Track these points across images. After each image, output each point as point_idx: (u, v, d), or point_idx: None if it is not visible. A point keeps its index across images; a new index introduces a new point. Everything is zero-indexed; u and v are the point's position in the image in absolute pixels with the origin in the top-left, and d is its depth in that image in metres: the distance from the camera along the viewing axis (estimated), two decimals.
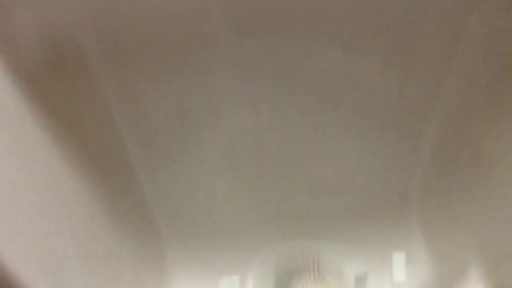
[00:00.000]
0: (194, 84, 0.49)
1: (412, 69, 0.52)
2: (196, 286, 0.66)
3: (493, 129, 0.52)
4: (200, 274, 0.66)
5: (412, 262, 0.67)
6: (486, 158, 0.53)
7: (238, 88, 0.51)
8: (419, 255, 0.67)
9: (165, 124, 0.52)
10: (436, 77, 0.53)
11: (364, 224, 0.67)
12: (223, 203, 0.63)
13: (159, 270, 0.63)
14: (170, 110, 0.51)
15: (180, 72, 0.48)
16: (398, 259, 0.68)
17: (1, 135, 0.36)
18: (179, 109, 0.51)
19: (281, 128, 0.56)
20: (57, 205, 0.39)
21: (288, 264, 0.68)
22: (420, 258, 0.67)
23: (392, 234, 0.68)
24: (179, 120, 0.52)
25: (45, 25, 0.39)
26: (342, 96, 0.53)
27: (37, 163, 0.37)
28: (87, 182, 0.45)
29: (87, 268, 0.42)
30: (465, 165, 0.56)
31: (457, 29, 0.49)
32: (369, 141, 0.59)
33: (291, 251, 0.68)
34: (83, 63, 0.43)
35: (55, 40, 0.40)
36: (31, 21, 0.39)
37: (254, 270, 0.69)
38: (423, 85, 0.53)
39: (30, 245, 0.33)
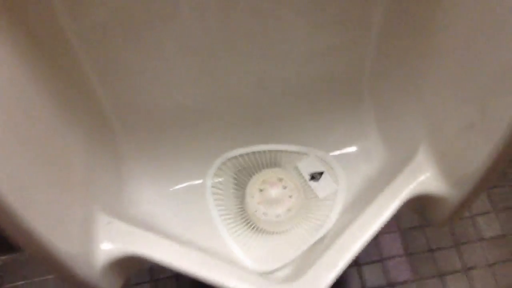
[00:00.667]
0: None
1: None
2: (152, 183, 0.69)
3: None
4: (156, 172, 0.69)
5: (366, 155, 0.70)
6: (433, 32, 0.54)
7: None
8: (373, 145, 0.70)
9: (114, 18, 0.52)
10: None
11: (319, 121, 0.70)
12: (176, 103, 0.64)
13: (115, 170, 0.65)
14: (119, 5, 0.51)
15: None
16: (351, 153, 0.72)
17: None
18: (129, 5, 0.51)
19: (231, 21, 0.56)
20: (8, 101, 0.39)
21: (245, 166, 0.71)
22: (373, 149, 0.70)
23: (346, 130, 0.72)
24: (127, 15, 0.52)
25: None
26: None
27: None
28: (37, 79, 0.45)
29: (40, 164, 0.43)
30: (413, 41, 0.58)
31: None
32: (318, 27, 0.59)
33: (248, 153, 0.71)
34: None
35: None
36: None
37: (213, 166, 0.71)
38: None
39: None
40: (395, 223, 1.10)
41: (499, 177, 1.15)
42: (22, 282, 1.01)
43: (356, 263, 1.05)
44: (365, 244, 0.54)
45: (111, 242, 0.52)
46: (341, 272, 0.53)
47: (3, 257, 1.03)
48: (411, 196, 0.56)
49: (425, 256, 1.07)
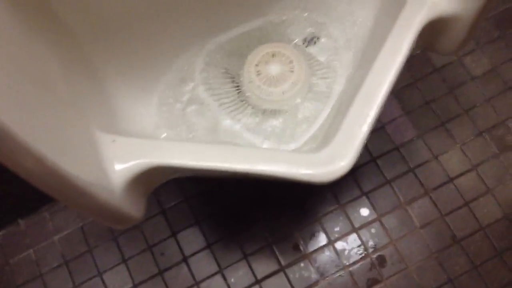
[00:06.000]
0: None
1: None
2: (138, 94, 0.62)
3: None
4: (140, 81, 0.62)
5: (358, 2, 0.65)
6: None
7: None
8: None
9: None
10: None
11: None
12: None
13: (100, 89, 0.59)
14: None
15: None
16: (342, 4, 0.65)
17: None
18: None
19: None
20: None
21: (237, 47, 0.66)
22: None
23: None
24: None
25: None
26: None
27: None
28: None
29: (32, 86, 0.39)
30: None
31: None
32: None
33: (237, 34, 0.65)
34: None
35: None
36: None
37: (198, 61, 0.65)
38: None
39: None
40: None
41: None
42: (29, 251, 0.97)
43: None
44: (391, 86, 0.50)
45: (123, 159, 0.47)
46: (374, 122, 0.49)
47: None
48: (425, 23, 0.52)
49: (424, 110, 1.06)
